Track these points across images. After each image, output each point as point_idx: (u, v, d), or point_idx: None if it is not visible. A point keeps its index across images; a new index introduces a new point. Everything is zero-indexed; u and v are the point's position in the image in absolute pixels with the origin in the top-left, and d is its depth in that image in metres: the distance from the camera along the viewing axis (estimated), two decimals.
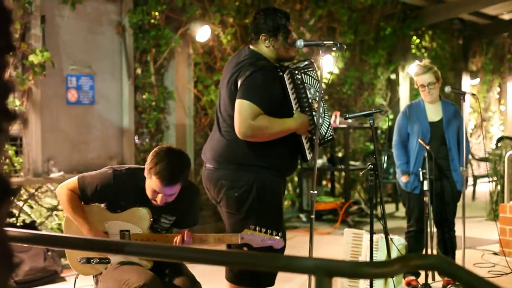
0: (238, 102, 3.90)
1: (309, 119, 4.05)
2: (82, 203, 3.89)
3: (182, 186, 3.81)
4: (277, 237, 3.75)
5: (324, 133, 4.24)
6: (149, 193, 3.78)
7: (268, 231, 3.76)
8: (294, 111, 4.01)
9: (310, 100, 4.09)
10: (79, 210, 3.82)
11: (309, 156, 4.16)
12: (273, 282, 4.14)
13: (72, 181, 3.88)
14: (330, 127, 4.33)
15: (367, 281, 5.06)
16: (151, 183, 3.71)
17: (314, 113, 4.07)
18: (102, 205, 3.96)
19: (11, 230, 2.29)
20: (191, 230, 3.91)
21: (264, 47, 4.11)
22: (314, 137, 4.05)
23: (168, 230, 3.99)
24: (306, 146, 4.12)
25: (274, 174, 4.08)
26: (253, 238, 3.74)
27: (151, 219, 3.84)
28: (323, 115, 4.19)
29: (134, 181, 3.86)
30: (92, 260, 3.87)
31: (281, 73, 3.98)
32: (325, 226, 9.27)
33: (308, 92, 4.08)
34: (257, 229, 3.74)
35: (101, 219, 3.87)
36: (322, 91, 4.09)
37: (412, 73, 11.16)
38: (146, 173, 3.76)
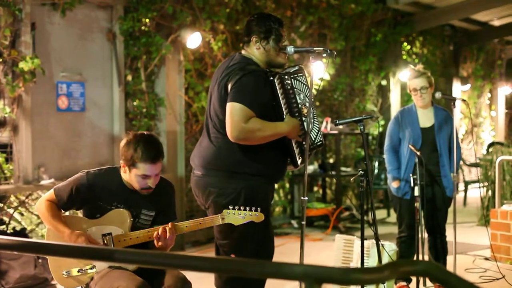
0: (230, 105, 3.90)
1: (299, 124, 4.06)
2: (62, 212, 3.94)
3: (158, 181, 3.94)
4: (256, 212, 3.79)
5: (313, 139, 4.24)
6: (137, 184, 3.85)
7: (247, 208, 3.78)
8: (284, 116, 4.02)
9: (299, 106, 4.10)
10: (58, 218, 3.86)
11: (299, 162, 4.16)
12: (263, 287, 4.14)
13: (49, 193, 3.96)
14: (319, 133, 4.34)
15: (358, 287, 5.05)
16: (138, 171, 3.80)
17: (303, 118, 4.08)
18: (80, 214, 4.00)
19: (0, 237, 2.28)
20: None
21: (255, 50, 4.14)
22: (304, 143, 4.06)
23: (150, 227, 3.98)
24: (296, 151, 4.13)
25: (262, 181, 4.09)
26: (233, 217, 3.80)
27: (131, 219, 3.86)
28: (312, 120, 4.20)
29: (108, 179, 3.93)
30: (78, 271, 3.86)
31: (271, 78, 3.99)
32: (316, 232, 9.27)
33: (297, 98, 4.09)
34: (235, 208, 3.80)
35: (82, 227, 3.89)
36: (312, 97, 4.10)
37: (403, 79, 11.24)
38: (127, 167, 3.83)
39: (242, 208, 3.79)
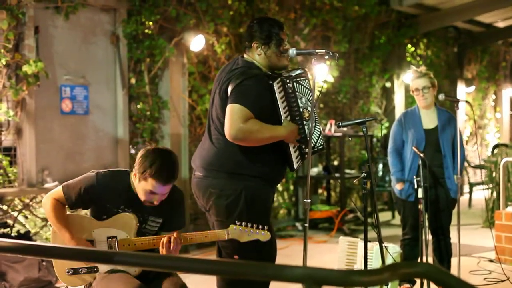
0: (229, 107, 3.92)
1: (299, 128, 4.06)
2: (67, 211, 3.96)
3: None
4: (263, 231, 3.78)
5: (314, 143, 4.25)
6: (142, 196, 3.81)
7: (254, 225, 3.78)
8: (282, 120, 4.02)
9: (301, 110, 4.10)
10: (62, 220, 3.86)
11: (296, 165, 4.16)
12: None
13: (57, 190, 3.94)
14: (320, 136, 4.34)
15: None
16: (147, 186, 3.75)
17: (305, 122, 4.08)
18: (88, 214, 4.00)
19: (1, 240, 2.28)
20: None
21: (257, 55, 4.16)
22: (303, 146, 4.07)
23: (156, 234, 3.98)
24: (294, 155, 4.13)
25: (262, 182, 4.09)
26: (239, 233, 3.78)
27: (138, 224, 3.85)
28: (314, 124, 4.20)
29: (117, 182, 3.91)
30: (80, 270, 3.87)
31: (270, 82, 3.99)
32: (321, 234, 9.26)
33: (299, 101, 4.09)
34: (243, 224, 3.79)
35: (88, 228, 3.89)
36: (315, 100, 4.10)
37: (408, 81, 11.22)
38: (137, 177, 3.79)
39: (249, 225, 3.79)
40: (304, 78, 4.19)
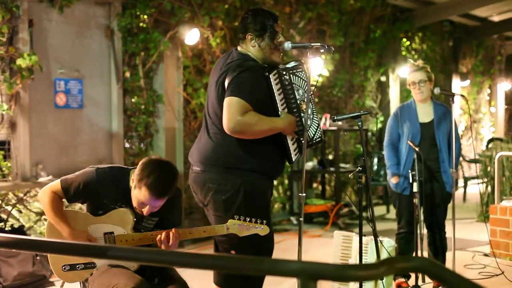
0: (227, 99, 3.90)
1: (296, 120, 4.04)
2: (65, 205, 3.92)
3: None
4: (262, 225, 3.77)
5: (312, 135, 4.23)
6: (135, 202, 3.77)
7: (253, 219, 3.77)
8: (280, 112, 4.00)
9: (298, 101, 4.08)
10: (60, 213, 3.82)
11: (294, 158, 4.14)
12: (261, 285, 4.13)
13: (55, 183, 3.89)
14: (318, 129, 4.32)
15: (357, 283, 5.04)
16: (140, 195, 3.69)
17: (302, 114, 4.06)
18: (84, 209, 3.97)
19: None
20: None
21: (251, 47, 4.14)
22: (301, 138, 4.04)
23: (152, 230, 3.96)
24: (293, 147, 4.11)
25: (261, 177, 4.07)
26: (238, 228, 3.77)
27: (134, 219, 3.83)
28: (311, 116, 4.18)
29: (117, 180, 3.88)
30: (77, 266, 3.84)
31: (266, 73, 3.98)
32: (316, 228, 9.26)
33: (296, 93, 4.07)
34: (241, 218, 3.77)
35: (84, 224, 3.85)
36: (311, 93, 4.08)
37: (403, 75, 11.23)
38: (135, 183, 3.73)
39: (248, 219, 3.78)
40: (300, 70, 4.17)
